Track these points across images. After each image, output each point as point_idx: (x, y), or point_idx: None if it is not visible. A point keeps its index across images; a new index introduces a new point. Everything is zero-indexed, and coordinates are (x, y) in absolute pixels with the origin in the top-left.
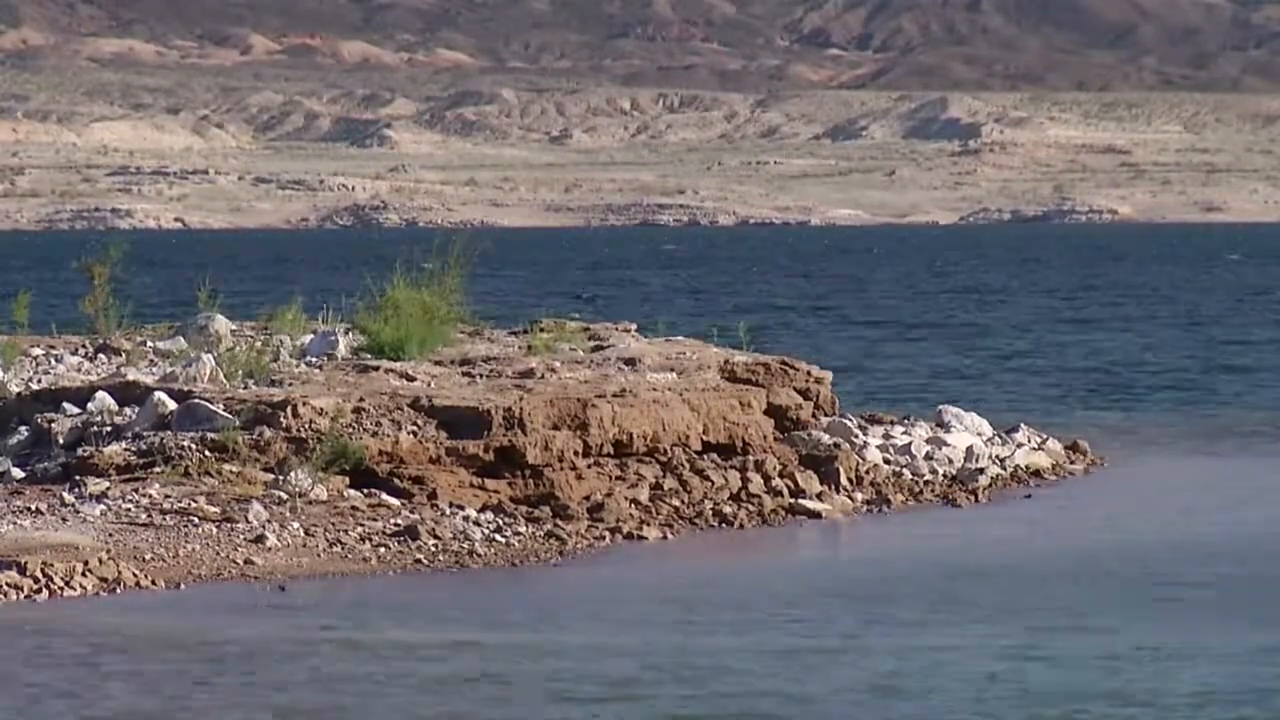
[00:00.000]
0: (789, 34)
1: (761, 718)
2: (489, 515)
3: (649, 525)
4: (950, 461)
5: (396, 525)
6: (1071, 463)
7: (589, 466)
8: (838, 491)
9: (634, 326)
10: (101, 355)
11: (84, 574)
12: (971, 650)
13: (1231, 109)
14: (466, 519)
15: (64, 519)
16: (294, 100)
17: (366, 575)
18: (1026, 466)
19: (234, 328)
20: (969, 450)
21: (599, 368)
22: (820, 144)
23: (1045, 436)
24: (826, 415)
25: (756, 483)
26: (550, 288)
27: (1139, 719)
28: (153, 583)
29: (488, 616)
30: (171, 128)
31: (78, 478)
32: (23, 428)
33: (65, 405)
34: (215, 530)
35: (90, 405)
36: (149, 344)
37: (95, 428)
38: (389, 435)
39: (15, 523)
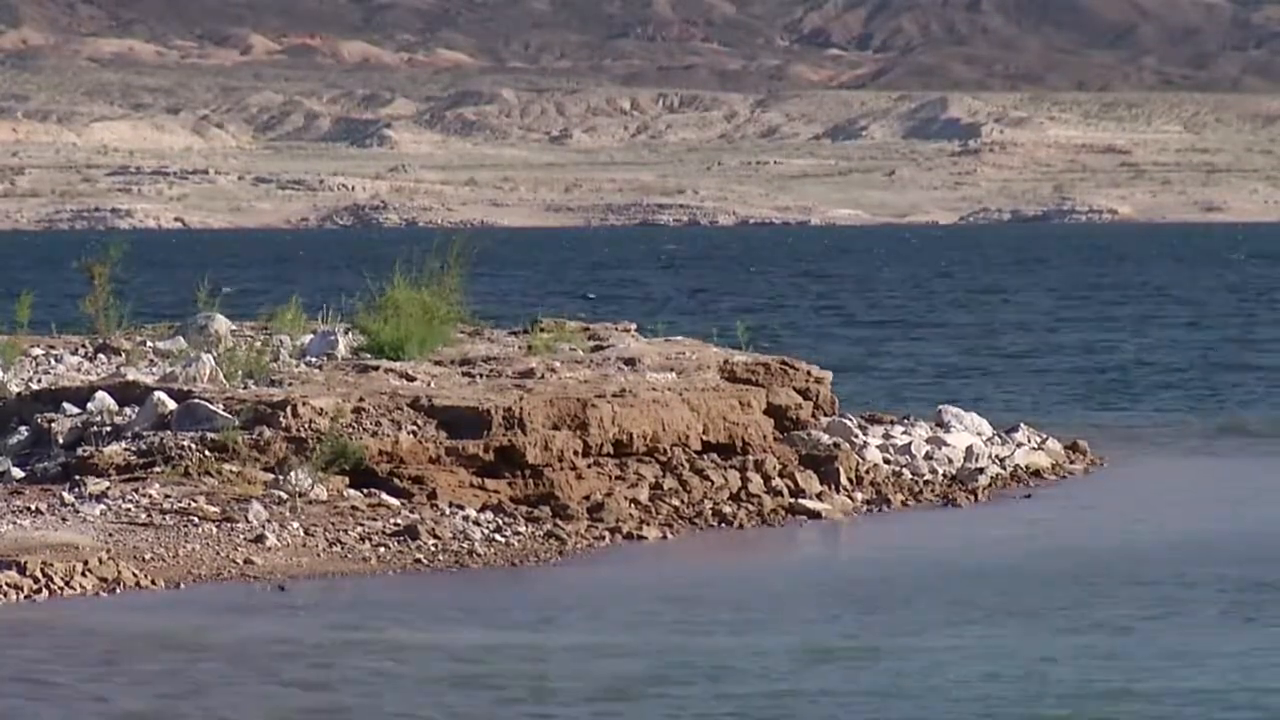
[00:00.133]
0: (789, 34)
1: (761, 718)
2: (489, 515)
3: (649, 525)
4: (950, 461)
5: (396, 525)
6: (1071, 463)
7: (589, 466)
8: (838, 491)
9: (634, 326)
10: (101, 355)
11: (84, 574)
12: (971, 650)
13: (1231, 109)
14: (466, 519)
15: (64, 519)
16: (294, 100)
17: (366, 575)
18: (1026, 466)
19: (234, 328)
20: (969, 450)
21: (599, 368)
22: (820, 144)
23: (1045, 436)
24: (826, 415)
25: (756, 483)
26: (550, 288)
27: (1139, 719)
28: (152, 582)
29: (487, 616)
30: (171, 128)
31: (78, 477)
32: (23, 428)
33: (65, 405)
34: (215, 530)
35: (90, 405)
36: (149, 344)
37: (95, 428)
38: (389, 435)
39: (15, 522)
